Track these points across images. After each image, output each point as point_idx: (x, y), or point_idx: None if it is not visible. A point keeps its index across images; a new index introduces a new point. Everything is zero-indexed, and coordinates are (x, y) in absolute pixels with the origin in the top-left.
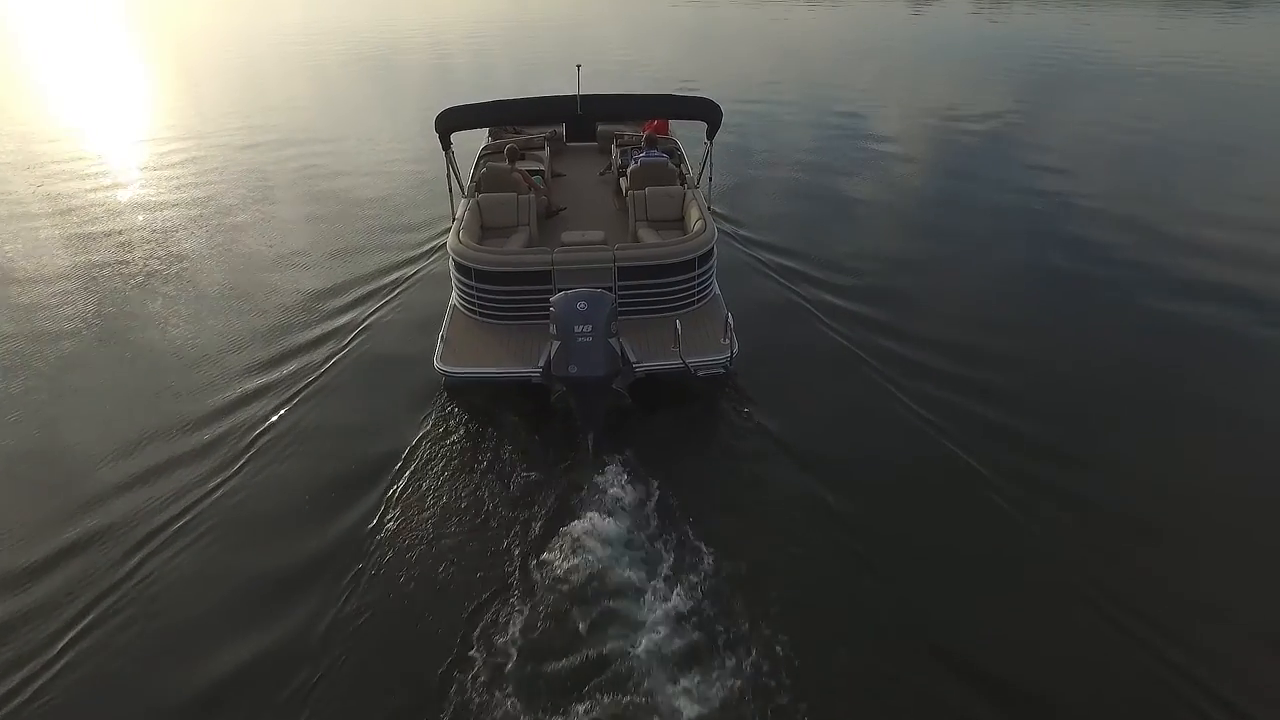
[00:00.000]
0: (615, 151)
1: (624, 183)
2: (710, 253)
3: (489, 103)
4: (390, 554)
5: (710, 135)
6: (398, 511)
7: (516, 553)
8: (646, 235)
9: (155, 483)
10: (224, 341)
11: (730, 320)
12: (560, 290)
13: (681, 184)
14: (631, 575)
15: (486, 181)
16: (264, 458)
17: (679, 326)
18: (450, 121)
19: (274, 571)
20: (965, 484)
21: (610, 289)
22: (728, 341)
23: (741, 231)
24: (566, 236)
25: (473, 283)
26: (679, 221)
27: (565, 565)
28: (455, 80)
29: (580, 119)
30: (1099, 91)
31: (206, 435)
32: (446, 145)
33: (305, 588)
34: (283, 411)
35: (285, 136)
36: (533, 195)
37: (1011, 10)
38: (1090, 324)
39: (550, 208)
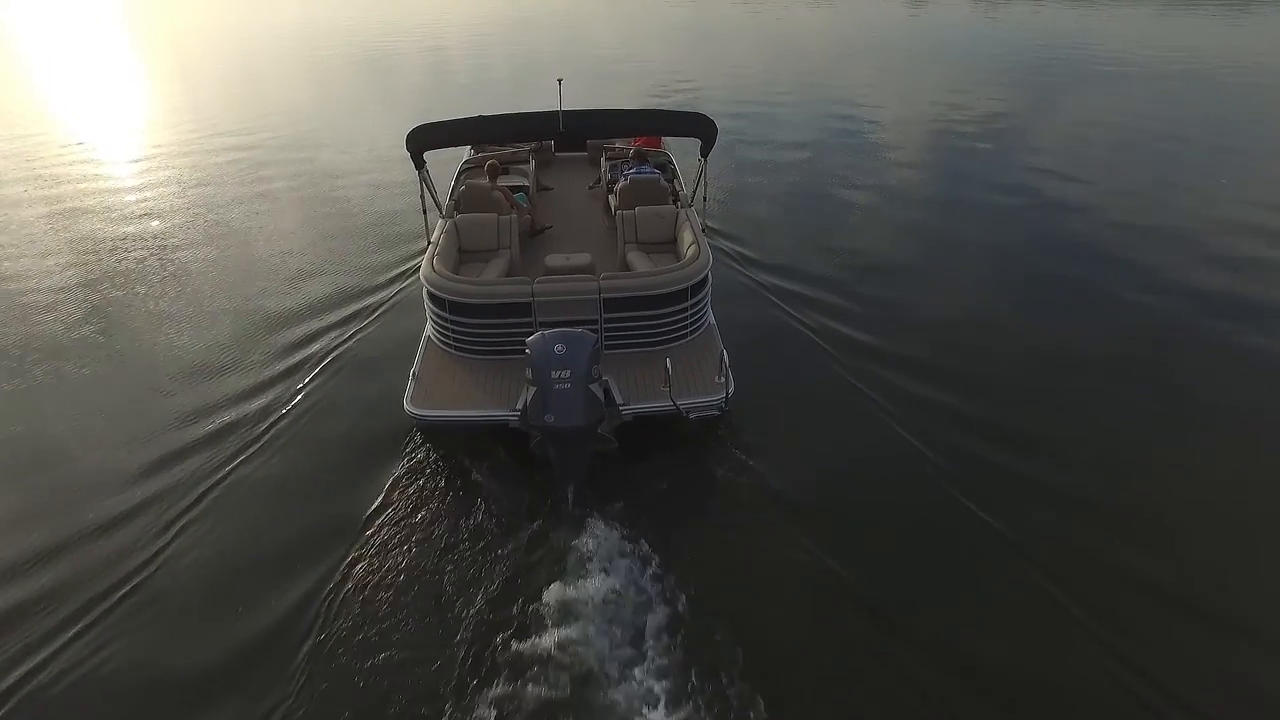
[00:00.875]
0: (604, 165)
1: (612, 200)
2: (704, 281)
3: (464, 119)
4: (349, 625)
5: (704, 152)
6: (358, 576)
7: (487, 627)
8: (636, 259)
9: (83, 552)
10: (172, 380)
11: (725, 357)
12: (540, 324)
13: (674, 202)
14: (616, 653)
15: (465, 201)
16: (208, 520)
17: (669, 366)
18: (422, 140)
19: (217, 648)
20: (989, 547)
21: (595, 322)
22: (723, 380)
23: (737, 248)
24: (550, 260)
25: (447, 314)
26: (670, 244)
27: (542, 642)
28: (446, 81)
29: (564, 136)
30: (1100, 89)
31: (146, 491)
32: (419, 164)
33: (251, 667)
34: (234, 464)
35: (261, 142)
36: (514, 215)
37: (1011, 8)
38: (1123, 358)
39: (535, 226)
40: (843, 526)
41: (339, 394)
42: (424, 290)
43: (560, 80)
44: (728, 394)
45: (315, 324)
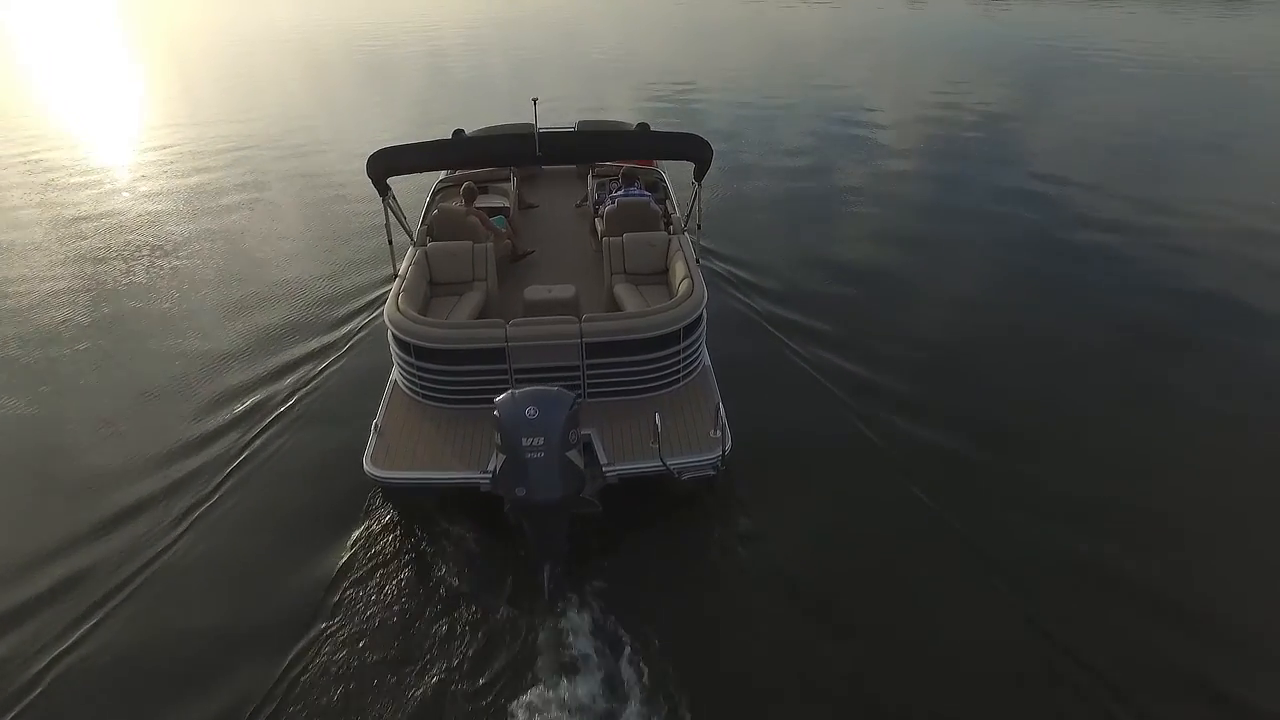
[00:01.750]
0: (591, 184)
1: (599, 224)
2: (699, 320)
3: (430, 143)
4: None
5: (698, 176)
6: (297, 678)
7: None
8: (624, 294)
9: None
10: (110, 435)
11: (722, 409)
12: (515, 372)
13: (666, 227)
14: None
15: (438, 227)
16: (136, 603)
17: (659, 422)
18: (384, 165)
19: None
20: (1037, 659)
21: (576, 369)
22: (719, 434)
23: (731, 269)
24: (530, 294)
25: (413, 360)
26: (662, 275)
27: None
28: (437, 83)
29: (541, 161)
30: (1099, 87)
31: (66, 570)
32: (384, 191)
33: None
34: (170, 538)
35: (236, 146)
36: (492, 243)
37: (1009, 6)
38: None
39: (516, 251)
40: (852, 605)
41: (295, 446)
42: (388, 332)
43: (536, 100)
44: (724, 451)
45: (277, 360)
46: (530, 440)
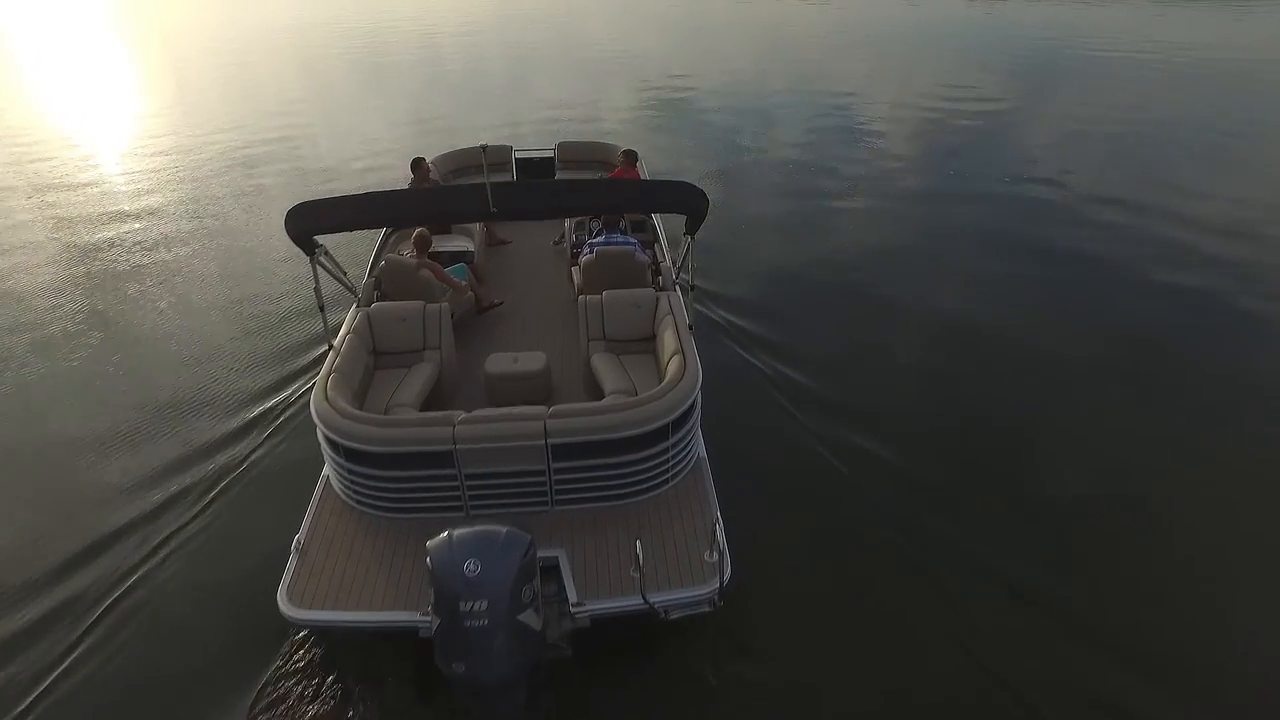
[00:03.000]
0: (568, 223)
1: (575, 276)
2: (691, 409)
3: (360, 198)
4: None
5: (691, 229)
6: None
7: None
8: (603, 367)
9: None
10: None
11: (720, 527)
12: (467, 479)
13: (655, 280)
14: None
15: (386, 281)
16: None
17: (640, 553)
18: (304, 223)
19: None
20: None
21: (541, 473)
22: (715, 557)
23: (727, 315)
24: (493, 363)
25: (343, 461)
26: (649, 342)
27: None
28: (428, 85)
29: (496, 217)
30: (1096, 84)
31: None
32: (310, 250)
33: None
34: (39, 687)
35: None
36: (448, 302)
37: (1007, 3)
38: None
39: (481, 304)
40: None
41: (202, 560)
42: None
43: (485, 148)
44: (722, 583)
45: (204, 433)
46: (470, 605)
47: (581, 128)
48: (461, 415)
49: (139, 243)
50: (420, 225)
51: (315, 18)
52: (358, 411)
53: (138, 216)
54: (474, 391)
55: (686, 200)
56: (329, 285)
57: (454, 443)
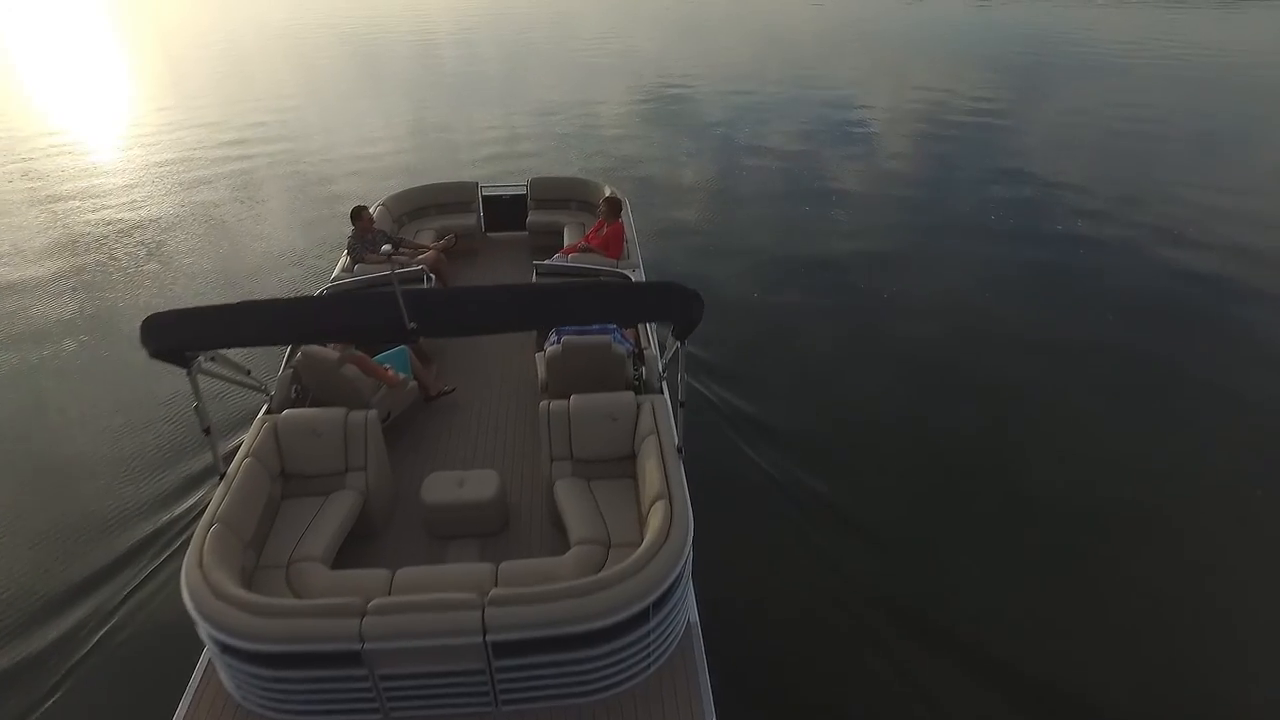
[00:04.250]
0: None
1: (539, 369)
2: (679, 581)
3: (234, 306)
4: None
5: (680, 336)
6: None
7: None
8: (569, 499)
9: None
10: None
11: None
12: (382, 682)
13: (635, 379)
14: None
15: (307, 375)
16: None
17: None
18: (164, 337)
19: None
20: None
21: (480, 675)
22: None
23: (716, 388)
24: (432, 490)
25: (219, 654)
26: (627, 463)
27: None
28: (415, 92)
29: (414, 335)
30: (1092, 83)
31: None
32: (183, 364)
33: None
34: None
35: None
36: (384, 400)
37: (1005, 6)
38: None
39: (428, 392)
40: None
41: None
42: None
43: (389, 250)
44: None
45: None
46: None
47: (578, 127)
48: (374, 602)
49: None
50: (308, 344)
51: (310, 18)
52: (237, 592)
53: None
54: (410, 519)
55: (673, 308)
56: (229, 392)
57: (361, 640)
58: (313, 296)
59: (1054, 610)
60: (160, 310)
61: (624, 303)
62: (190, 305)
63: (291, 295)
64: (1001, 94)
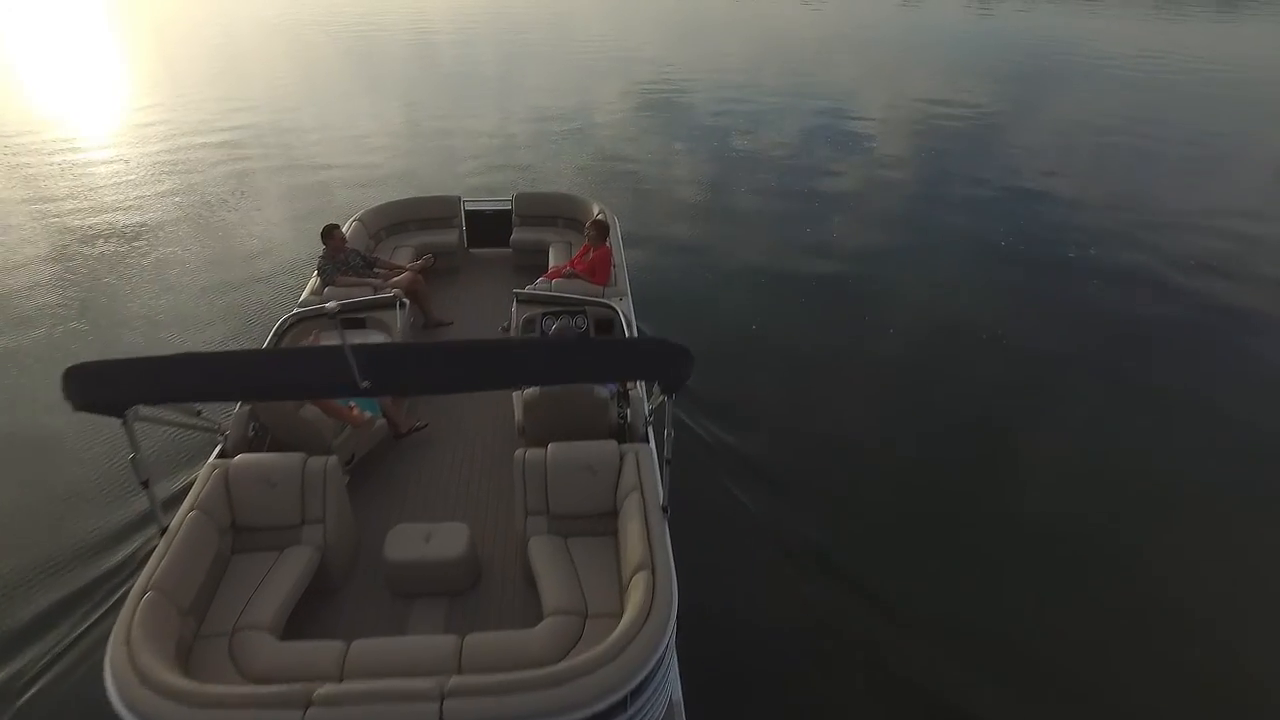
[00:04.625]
0: (514, 313)
1: (516, 410)
2: (661, 662)
3: (171, 359)
4: None
5: (668, 391)
6: None
7: None
8: (543, 561)
9: None
10: None
11: None
12: None
13: (621, 412)
14: None
15: (265, 414)
16: None
17: None
18: (90, 391)
19: None
20: None
21: None
22: None
23: (709, 424)
24: (395, 547)
25: None
26: (606, 519)
27: None
28: (409, 92)
29: (368, 393)
30: (1090, 89)
31: None
32: (117, 414)
33: None
34: None
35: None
36: (338, 451)
37: (1002, 5)
38: None
39: (398, 429)
40: None
41: None
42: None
43: (336, 311)
44: None
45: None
46: None
47: (573, 128)
48: (320, 690)
49: None
50: (253, 401)
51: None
52: (166, 678)
53: None
54: (373, 574)
55: (659, 366)
56: (178, 438)
57: None
58: (259, 350)
59: (1062, 651)
60: (85, 361)
61: (605, 362)
62: (131, 340)
63: (237, 349)
64: (997, 104)
